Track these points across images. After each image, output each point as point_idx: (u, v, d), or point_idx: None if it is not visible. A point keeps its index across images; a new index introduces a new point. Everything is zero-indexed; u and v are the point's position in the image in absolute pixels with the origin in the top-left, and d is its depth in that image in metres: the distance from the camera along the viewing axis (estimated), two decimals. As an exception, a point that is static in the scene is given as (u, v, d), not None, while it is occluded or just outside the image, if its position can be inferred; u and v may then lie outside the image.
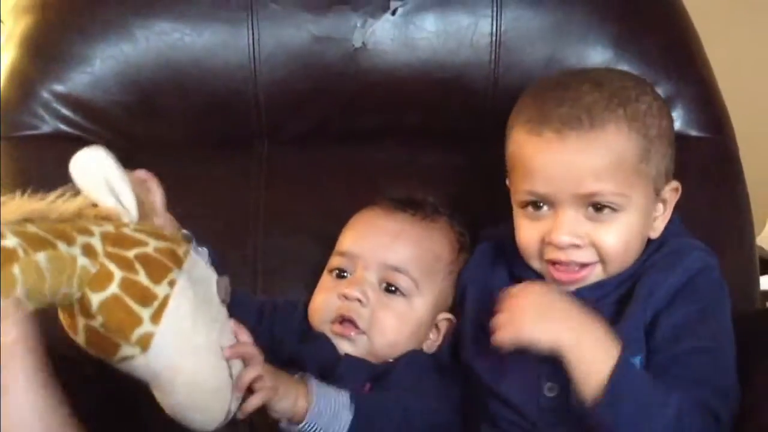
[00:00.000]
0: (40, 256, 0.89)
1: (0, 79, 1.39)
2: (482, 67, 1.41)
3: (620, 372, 1.01)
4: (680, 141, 1.34)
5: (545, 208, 1.13)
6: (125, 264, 0.94)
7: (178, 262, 0.98)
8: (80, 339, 0.95)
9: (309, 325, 1.24)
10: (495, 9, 1.40)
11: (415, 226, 1.24)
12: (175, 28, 1.39)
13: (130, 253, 0.95)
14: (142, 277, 0.95)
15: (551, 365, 1.06)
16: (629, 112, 1.13)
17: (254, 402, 1.02)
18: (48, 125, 1.39)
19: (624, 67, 1.41)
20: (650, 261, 1.14)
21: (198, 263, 1.02)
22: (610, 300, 1.14)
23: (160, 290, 0.95)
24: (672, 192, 1.18)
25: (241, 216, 1.38)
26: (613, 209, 1.11)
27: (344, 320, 1.19)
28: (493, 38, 1.40)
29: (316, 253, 1.36)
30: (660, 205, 1.17)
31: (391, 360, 1.20)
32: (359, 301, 1.19)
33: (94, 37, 1.38)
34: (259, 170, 1.42)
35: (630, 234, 1.13)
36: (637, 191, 1.13)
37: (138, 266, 0.95)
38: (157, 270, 0.96)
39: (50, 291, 0.90)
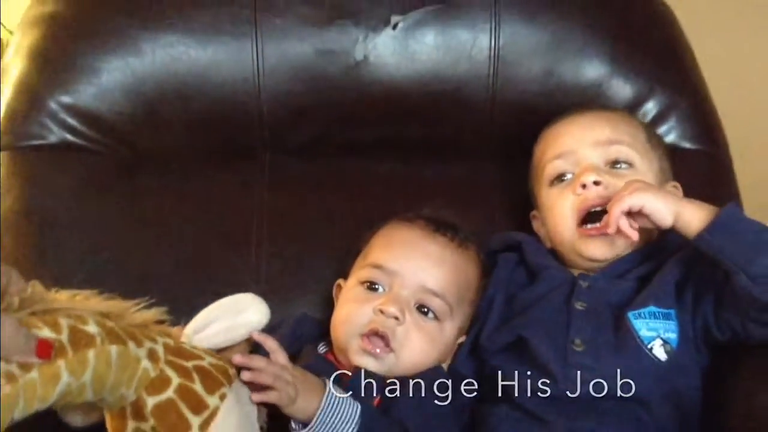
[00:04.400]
0: (113, 349, 0.93)
1: (5, 89, 1.41)
2: (481, 80, 1.44)
3: (731, 207, 1.11)
4: (674, 154, 1.39)
5: (569, 176, 1.26)
6: (183, 372, 1.00)
7: (229, 379, 1.03)
8: None
9: (302, 343, 1.24)
10: (493, 24, 1.43)
11: (454, 252, 1.24)
12: (181, 42, 1.41)
13: (189, 364, 1.01)
14: (197, 386, 1.00)
15: (579, 321, 1.16)
16: (634, 117, 1.38)
17: (272, 398, 1.03)
18: (55, 135, 1.41)
19: (619, 80, 1.45)
20: (665, 244, 1.21)
21: (244, 388, 1.06)
22: (633, 276, 1.22)
23: (212, 401, 1.00)
24: (673, 190, 1.29)
25: (243, 224, 1.40)
26: (630, 165, 1.25)
27: (373, 335, 1.17)
28: (492, 52, 1.43)
29: (316, 260, 1.38)
30: None
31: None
32: (396, 318, 1.18)
33: (102, 49, 1.40)
34: (261, 180, 1.44)
35: None
36: (646, 160, 1.27)
37: (195, 375, 1.00)
38: (212, 382, 1.01)
39: (111, 385, 0.94)
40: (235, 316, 1.06)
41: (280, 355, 1.07)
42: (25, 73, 1.41)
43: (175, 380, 0.98)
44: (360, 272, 1.24)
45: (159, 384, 0.97)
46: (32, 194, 1.38)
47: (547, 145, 1.32)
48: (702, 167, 1.45)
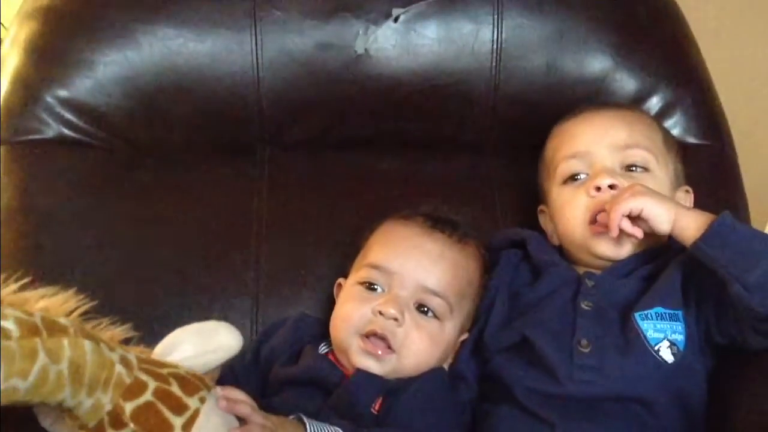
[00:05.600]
0: (87, 343, 0.91)
1: (1, 83, 1.39)
2: (483, 74, 1.42)
3: (725, 216, 1.10)
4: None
5: (583, 176, 1.25)
6: (159, 377, 0.97)
7: (207, 386, 1.01)
8: None
9: (303, 343, 1.23)
10: (496, 16, 1.41)
11: (453, 249, 1.22)
12: (179, 34, 1.39)
13: (164, 371, 0.98)
14: (175, 389, 0.97)
15: (585, 321, 1.14)
16: (651, 117, 1.37)
17: None
18: (51, 130, 1.39)
19: (623, 75, 1.44)
20: (671, 244, 1.19)
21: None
22: (638, 275, 1.20)
23: (192, 402, 0.97)
24: (685, 194, 1.29)
25: (243, 221, 1.38)
26: (645, 169, 1.24)
27: (374, 336, 1.16)
28: (494, 45, 1.41)
29: (316, 257, 1.36)
30: None
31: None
32: (395, 319, 1.16)
33: (98, 42, 1.38)
34: (261, 176, 1.42)
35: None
36: (662, 164, 1.25)
37: (171, 380, 0.97)
38: (189, 386, 0.98)
39: (89, 380, 0.91)
40: (206, 341, 1.03)
41: (249, 407, 1.03)
42: (21, 67, 1.39)
43: (152, 384, 0.95)
44: (358, 272, 1.22)
45: (135, 389, 0.94)
46: (29, 190, 1.37)
47: (561, 142, 1.30)
48: (707, 162, 1.43)
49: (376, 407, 1.13)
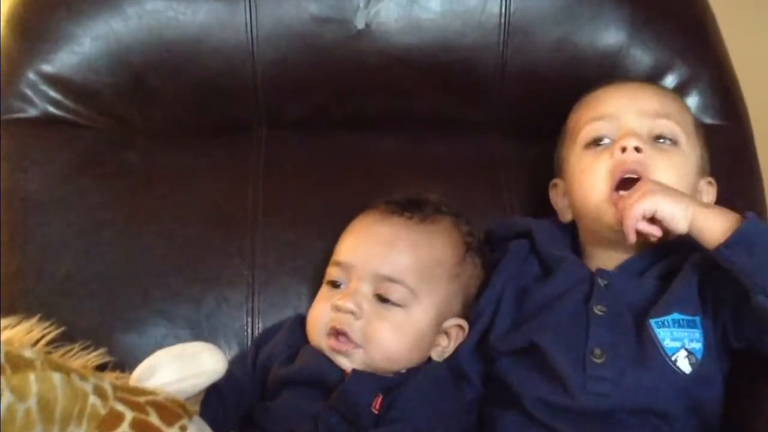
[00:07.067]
0: (56, 376, 0.87)
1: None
2: (490, 49, 1.36)
3: (752, 220, 1.04)
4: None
5: (607, 141, 1.19)
6: (136, 407, 0.92)
7: (189, 413, 0.96)
8: None
9: (299, 344, 1.19)
10: (504, -12, 1.35)
11: (411, 231, 1.18)
12: (169, 6, 1.32)
13: (141, 399, 0.93)
14: (154, 418, 0.93)
15: (599, 328, 1.10)
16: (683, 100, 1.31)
17: None
18: (36, 108, 1.33)
19: (637, 50, 1.38)
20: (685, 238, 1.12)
21: (205, 425, 0.99)
22: (652, 275, 1.16)
23: None
24: (707, 186, 1.23)
25: (238, 205, 1.32)
26: (674, 142, 1.18)
27: (337, 334, 1.14)
28: (502, 19, 1.35)
29: (314, 245, 1.31)
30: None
31: (403, 371, 1.15)
32: (352, 313, 1.14)
33: (84, 14, 1.32)
34: (258, 156, 1.37)
35: (682, 172, 1.17)
36: (691, 141, 1.20)
37: (149, 409, 0.93)
38: (169, 415, 0.94)
39: (61, 414, 0.86)
40: (188, 365, 0.99)
41: None
42: (1, 41, 1.32)
43: (129, 414, 0.91)
44: (327, 271, 1.21)
45: (111, 421, 0.90)
46: (13, 172, 1.31)
47: (586, 108, 1.24)
48: (723, 143, 1.36)
49: (376, 406, 1.10)
